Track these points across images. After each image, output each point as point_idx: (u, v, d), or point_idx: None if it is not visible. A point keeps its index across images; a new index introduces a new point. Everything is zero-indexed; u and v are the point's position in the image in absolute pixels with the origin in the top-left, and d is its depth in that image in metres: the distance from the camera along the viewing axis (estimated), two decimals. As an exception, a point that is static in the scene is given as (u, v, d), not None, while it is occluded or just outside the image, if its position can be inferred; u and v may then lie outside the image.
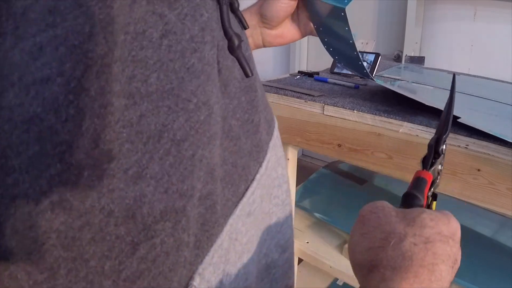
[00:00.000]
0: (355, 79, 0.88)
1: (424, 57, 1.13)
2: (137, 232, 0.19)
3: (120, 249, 0.18)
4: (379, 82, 0.72)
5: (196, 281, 0.22)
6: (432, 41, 1.78)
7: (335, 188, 1.10)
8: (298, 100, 0.72)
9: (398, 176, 0.61)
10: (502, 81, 0.98)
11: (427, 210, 0.26)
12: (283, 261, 0.33)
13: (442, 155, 0.34)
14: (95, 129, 0.16)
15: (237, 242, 0.25)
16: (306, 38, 2.21)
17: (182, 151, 0.20)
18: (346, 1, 0.41)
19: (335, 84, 0.84)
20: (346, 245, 0.86)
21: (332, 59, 0.99)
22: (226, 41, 0.24)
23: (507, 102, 0.74)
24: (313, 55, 2.44)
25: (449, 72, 1.06)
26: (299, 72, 0.98)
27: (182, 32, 0.20)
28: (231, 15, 0.27)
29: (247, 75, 0.24)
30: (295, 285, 0.32)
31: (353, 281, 0.83)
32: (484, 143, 0.52)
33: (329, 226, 0.95)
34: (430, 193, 0.30)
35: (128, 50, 0.18)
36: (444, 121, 0.35)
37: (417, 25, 1.78)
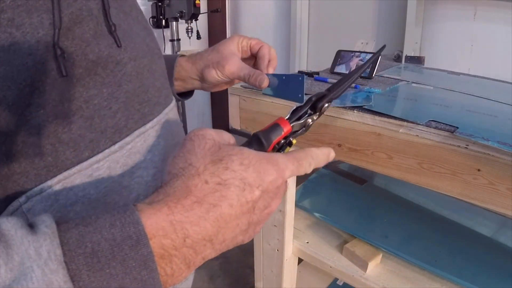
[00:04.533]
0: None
1: (424, 57, 1.13)
2: None
3: None
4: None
5: (22, 199, 0.29)
6: (432, 41, 1.78)
7: (335, 188, 1.10)
8: (298, 100, 0.72)
9: (398, 176, 0.61)
10: (502, 81, 0.98)
11: (246, 153, 0.26)
12: None
13: (319, 112, 0.34)
14: None
15: (71, 192, 0.31)
16: (306, 38, 2.20)
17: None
18: (303, 98, 0.45)
19: (335, 84, 0.84)
20: (346, 245, 0.86)
21: (332, 59, 0.99)
22: None
23: (507, 102, 0.74)
24: (313, 55, 2.44)
25: (449, 72, 1.06)
26: (299, 72, 0.98)
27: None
28: None
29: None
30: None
31: (353, 281, 0.83)
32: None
33: (329, 226, 0.95)
34: (284, 141, 0.30)
35: None
36: (341, 83, 0.35)
37: (417, 25, 1.78)
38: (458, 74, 1.04)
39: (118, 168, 0.34)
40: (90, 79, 0.31)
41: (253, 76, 0.49)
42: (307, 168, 0.30)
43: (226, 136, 0.29)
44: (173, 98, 0.46)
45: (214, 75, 0.51)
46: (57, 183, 0.30)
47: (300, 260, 1.00)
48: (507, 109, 0.70)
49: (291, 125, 0.31)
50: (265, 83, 0.49)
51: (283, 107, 0.73)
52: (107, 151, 0.33)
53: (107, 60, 0.32)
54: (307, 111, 0.33)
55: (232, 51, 0.51)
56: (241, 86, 0.81)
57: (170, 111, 0.43)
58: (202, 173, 0.24)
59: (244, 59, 0.53)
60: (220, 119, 3.07)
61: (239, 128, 0.83)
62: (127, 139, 0.35)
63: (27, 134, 0.28)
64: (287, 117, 0.32)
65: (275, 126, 0.30)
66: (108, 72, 0.33)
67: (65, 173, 0.30)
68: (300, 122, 0.32)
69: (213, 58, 0.50)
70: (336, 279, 1.21)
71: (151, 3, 2.01)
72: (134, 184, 0.36)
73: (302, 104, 0.34)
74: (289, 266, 0.96)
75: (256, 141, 0.29)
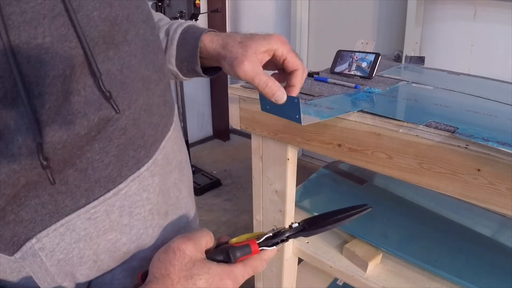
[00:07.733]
0: (355, 79, 0.88)
1: (424, 57, 1.13)
2: None
3: None
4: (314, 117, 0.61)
5: (34, 241, 0.33)
6: (432, 41, 1.78)
7: (335, 188, 1.10)
8: (298, 100, 0.72)
9: (398, 176, 0.61)
10: (502, 81, 0.98)
11: (212, 272, 0.34)
12: (139, 259, 0.41)
13: (287, 240, 0.39)
14: None
15: (74, 232, 0.35)
16: (306, 38, 2.20)
17: None
18: (300, 119, 0.46)
19: (335, 84, 0.84)
20: (346, 245, 0.86)
21: (332, 59, 0.99)
22: None
23: (507, 102, 0.74)
24: (313, 55, 2.44)
25: (449, 72, 1.06)
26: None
27: None
28: None
29: None
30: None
31: (353, 281, 0.83)
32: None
33: (329, 226, 0.95)
34: (240, 254, 0.36)
35: None
36: (324, 223, 0.40)
37: (417, 25, 1.78)
38: (458, 74, 1.04)
39: (115, 210, 0.37)
40: (81, 141, 0.33)
41: (269, 88, 0.43)
42: (260, 270, 0.38)
43: (204, 242, 0.36)
44: (173, 121, 0.44)
45: (227, 70, 0.45)
46: (60, 226, 0.34)
47: (300, 260, 1.00)
48: (507, 109, 0.70)
49: (260, 248, 0.37)
50: (283, 100, 0.44)
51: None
52: (101, 198, 0.36)
53: (99, 123, 0.33)
54: (282, 240, 0.39)
55: (257, 53, 0.43)
56: (241, 86, 0.81)
57: (169, 139, 0.42)
58: (176, 285, 0.32)
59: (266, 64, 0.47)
60: (220, 119, 3.06)
61: (239, 128, 0.83)
62: (121, 185, 0.37)
63: (26, 190, 0.32)
64: (260, 240, 0.38)
65: (246, 246, 0.37)
66: (100, 129, 0.34)
67: (66, 218, 0.34)
68: (270, 249, 0.38)
69: (234, 51, 0.44)
70: (336, 279, 1.21)
71: (151, 3, 2.01)
72: (134, 221, 0.39)
73: (280, 229, 0.40)
74: (289, 266, 0.96)
75: (225, 253, 0.36)
